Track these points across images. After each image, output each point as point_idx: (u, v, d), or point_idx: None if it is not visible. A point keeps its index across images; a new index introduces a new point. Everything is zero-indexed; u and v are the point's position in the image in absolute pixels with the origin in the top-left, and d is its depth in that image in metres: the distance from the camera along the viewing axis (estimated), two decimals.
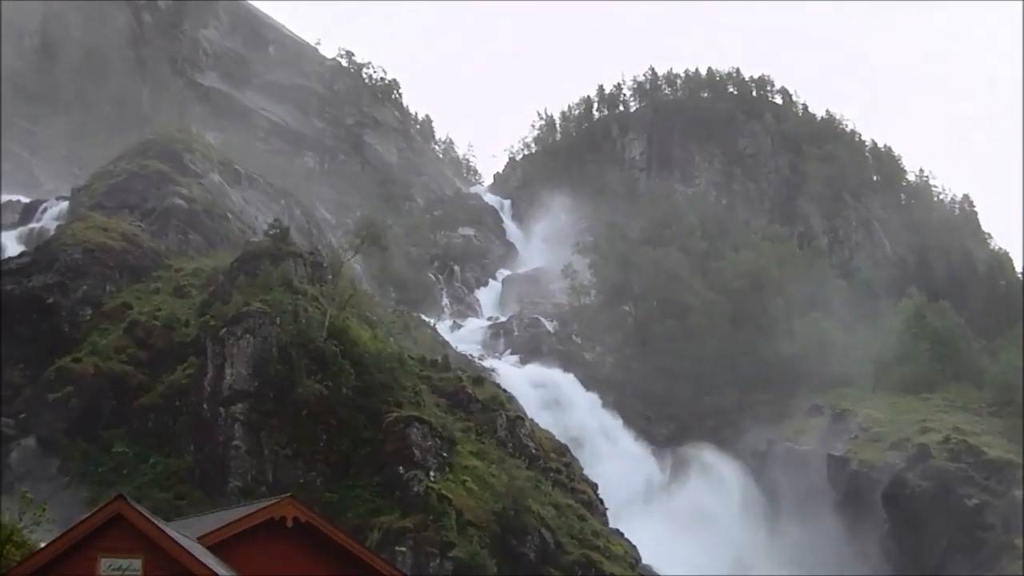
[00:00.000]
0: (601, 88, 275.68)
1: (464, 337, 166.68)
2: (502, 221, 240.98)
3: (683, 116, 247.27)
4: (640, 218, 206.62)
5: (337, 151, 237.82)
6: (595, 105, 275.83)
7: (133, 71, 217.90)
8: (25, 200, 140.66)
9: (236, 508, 44.57)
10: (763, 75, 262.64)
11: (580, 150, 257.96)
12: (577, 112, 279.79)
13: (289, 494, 42.31)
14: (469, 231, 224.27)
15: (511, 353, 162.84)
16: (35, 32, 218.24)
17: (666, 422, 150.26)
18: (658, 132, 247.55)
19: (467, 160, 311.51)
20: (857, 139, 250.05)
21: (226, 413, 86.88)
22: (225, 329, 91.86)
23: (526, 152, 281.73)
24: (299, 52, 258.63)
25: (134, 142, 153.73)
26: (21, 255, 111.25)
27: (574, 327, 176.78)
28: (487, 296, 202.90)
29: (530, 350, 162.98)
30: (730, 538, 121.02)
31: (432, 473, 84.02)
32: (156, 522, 32.09)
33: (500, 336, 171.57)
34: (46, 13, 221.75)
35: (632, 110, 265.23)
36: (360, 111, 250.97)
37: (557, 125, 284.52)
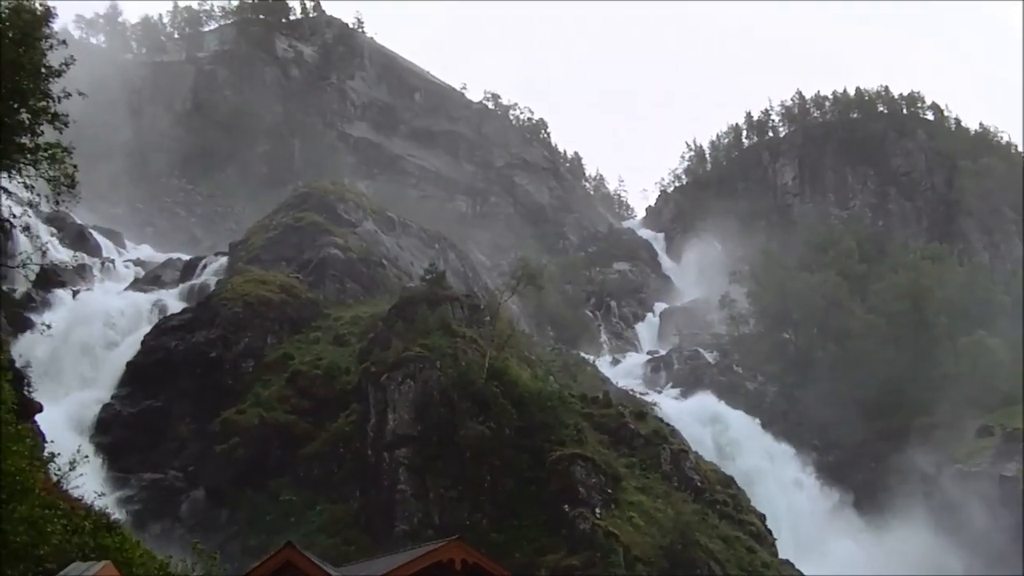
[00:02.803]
0: (749, 115, 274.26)
1: (624, 372, 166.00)
2: (656, 254, 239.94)
3: (834, 138, 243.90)
4: (796, 244, 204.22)
5: (488, 193, 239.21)
6: (744, 132, 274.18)
7: (283, 126, 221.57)
8: (185, 257, 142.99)
9: (404, 552, 44.57)
10: (913, 91, 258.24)
11: (731, 179, 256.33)
12: (726, 141, 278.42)
13: (456, 536, 42.21)
14: (624, 266, 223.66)
15: (672, 386, 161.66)
16: (187, 96, 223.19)
17: (833, 449, 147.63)
18: (809, 156, 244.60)
19: (618, 195, 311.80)
20: (1013, 150, 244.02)
21: (390, 458, 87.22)
22: (386, 375, 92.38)
23: (677, 184, 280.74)
24: (445, 97, 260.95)
25: (288, 195, 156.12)
26: (183, 311, 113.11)
27: (735, 357, 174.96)
28: (645, 330, 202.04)
29: (691, 383, 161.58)
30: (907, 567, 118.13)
31: (598, 510, 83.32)
32: (326, 568, 32.14)
33: (660, 370, 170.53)
34: (196, 75, 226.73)
35: (782, 135, 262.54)
36: (509, 152, 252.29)
37: (707, 155, 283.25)
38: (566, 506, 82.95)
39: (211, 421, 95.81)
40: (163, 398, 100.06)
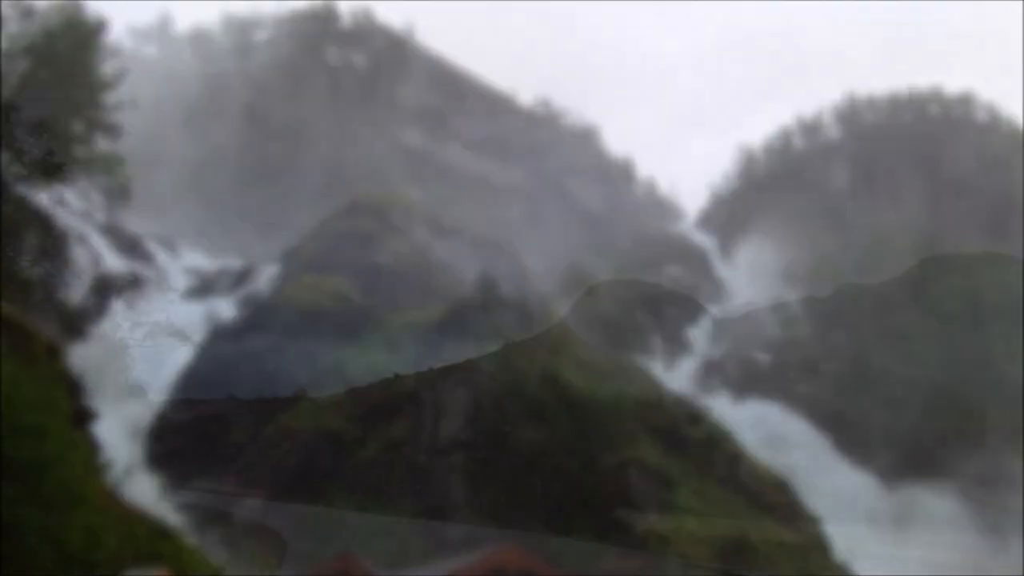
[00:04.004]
0: (801, 117, 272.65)
1: (677, 376, 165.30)
2: (709, 258, 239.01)
3: (886, 140, 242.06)
4: (849, 246, 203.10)
5: (540, 199, 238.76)
6: (796, 134, 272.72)
7: (334, 134, 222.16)
8: (239, 265, 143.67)
9: (457, 559, 44.65)
10: (966, 91, 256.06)
11: (783, 181, 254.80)
12: (778, 143, 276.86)
13: (509, 542, 42.25)
14: (676, 269, 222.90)
15: (726, 390, 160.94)
16: (239, 106, 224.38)
17: (890, 453, 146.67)
18: (862, 157, 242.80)
19: (670, 199, 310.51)
20: None
21: (443, 464, 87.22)
22: (438, 381, 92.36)
23: (729, 187, 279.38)
24: (496, 103, 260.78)
25: (340, 203, 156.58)
26: (237, 319, 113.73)
27: (789, 361, 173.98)
28: (698, 334, 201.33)
29: (745, 386, 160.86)
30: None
31: (652, 515, 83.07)
32: (381, 574, 32.26)
33: (714, 373, 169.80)
34: (247, 85, 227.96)
35: (834, 137, 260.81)
36: (560, 157, 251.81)
37: (759, 157, 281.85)
38: (620, 511, 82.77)
39: (265, 428, 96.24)
40: (217, 405, 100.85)
